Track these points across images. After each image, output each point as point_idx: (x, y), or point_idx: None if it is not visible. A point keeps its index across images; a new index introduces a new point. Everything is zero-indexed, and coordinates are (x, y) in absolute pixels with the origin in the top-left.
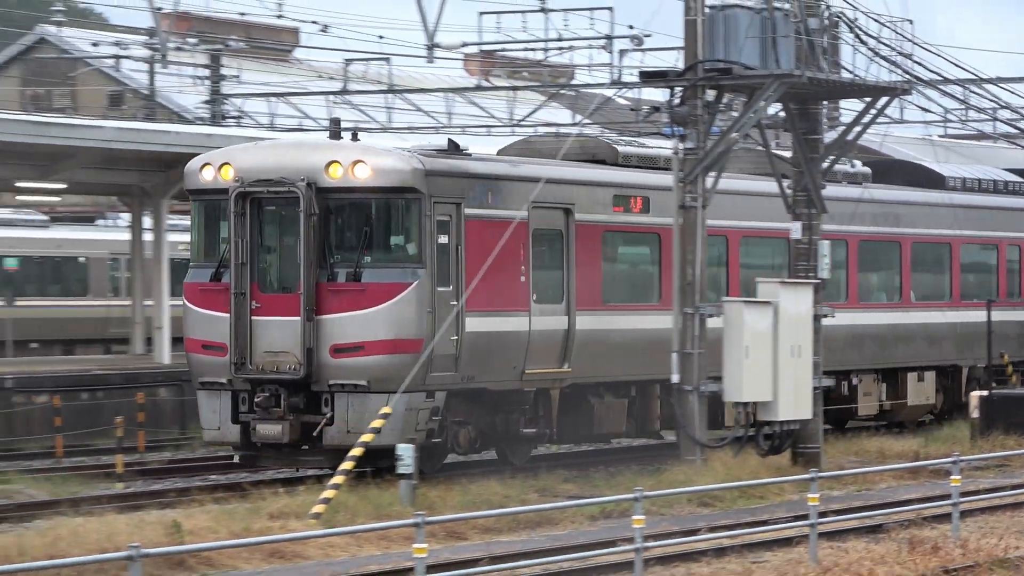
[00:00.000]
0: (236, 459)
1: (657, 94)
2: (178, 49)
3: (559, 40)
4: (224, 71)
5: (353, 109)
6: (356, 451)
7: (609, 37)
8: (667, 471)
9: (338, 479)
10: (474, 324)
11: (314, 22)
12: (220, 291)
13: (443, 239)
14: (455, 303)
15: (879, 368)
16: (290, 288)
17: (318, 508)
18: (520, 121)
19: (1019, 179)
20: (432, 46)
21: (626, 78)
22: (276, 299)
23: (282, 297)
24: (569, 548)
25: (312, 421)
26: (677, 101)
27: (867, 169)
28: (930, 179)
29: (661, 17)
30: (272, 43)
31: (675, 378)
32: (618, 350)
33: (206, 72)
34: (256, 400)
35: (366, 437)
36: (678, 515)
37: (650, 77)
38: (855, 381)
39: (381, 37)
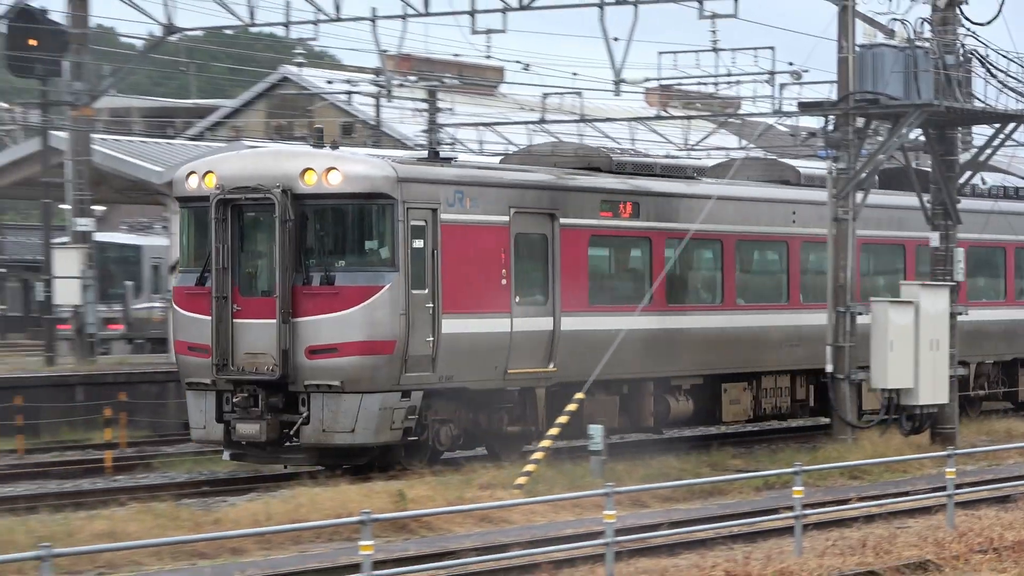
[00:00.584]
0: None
1: (813, 121)
2: (400, 85)
3: (728, 75)
4: (440, 104)
5: (550, 136)
6: (553, 430)
7: (771, 72)
8: (821, 449)
9: (538, 455)
10: (451, 326)
11: (517, 61)
12: (204, 295)
13: (418, 243)
14: (431, 305)
15: None
16: (269, 292)
17: (521, 480)
18: (693, 146)
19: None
20: (618, 81)
21: (786, 108)
22: (256, 302)
23: (261, 300)
24: (737, 515)
25: (291, 420)
26: (831, 128)
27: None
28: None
29: (817, 55)
30: (481, 80)
31: (829, 368)
32: (606, 350)
33: (424, 105)
34: (234, 400)
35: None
36: (832, 487)
37: (807, 107)
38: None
39: (575, 74)
